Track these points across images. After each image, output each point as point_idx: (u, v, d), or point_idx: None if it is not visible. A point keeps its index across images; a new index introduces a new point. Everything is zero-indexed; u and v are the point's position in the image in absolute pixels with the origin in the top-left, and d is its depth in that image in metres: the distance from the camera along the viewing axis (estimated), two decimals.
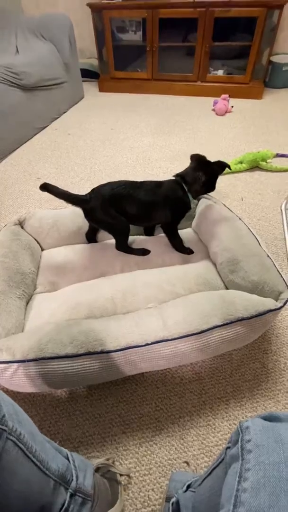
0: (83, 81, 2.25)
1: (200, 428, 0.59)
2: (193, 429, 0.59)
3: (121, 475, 0.51)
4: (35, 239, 0.86)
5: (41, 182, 0.69)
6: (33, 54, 1.66)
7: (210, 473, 0.34)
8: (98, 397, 0.63)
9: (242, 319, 0.55)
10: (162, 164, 1.46)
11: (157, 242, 0.85)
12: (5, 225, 0.83)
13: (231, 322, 0.55)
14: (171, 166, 1.45)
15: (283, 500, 0.19)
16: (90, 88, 2.43)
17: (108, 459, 0.50)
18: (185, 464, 0.54)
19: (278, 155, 1.43)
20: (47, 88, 1.73)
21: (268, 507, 0.19)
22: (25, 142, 1.68)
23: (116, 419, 0.60)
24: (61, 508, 0.33)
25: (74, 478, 0.36)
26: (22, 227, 0.85)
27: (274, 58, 2.17)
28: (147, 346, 0.52)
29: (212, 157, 0.81)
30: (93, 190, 0.76)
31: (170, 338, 0.53)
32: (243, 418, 0.61)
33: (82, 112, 2.05)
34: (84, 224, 0.85)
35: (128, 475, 0.52)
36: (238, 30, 1.98)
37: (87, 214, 0.77)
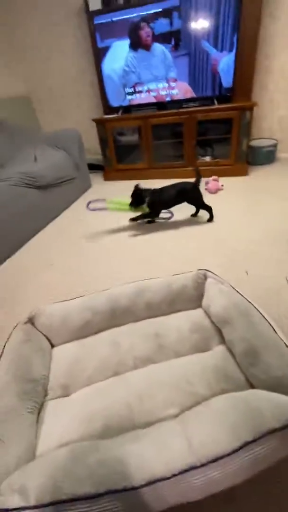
0: (90, 173, 2.60)
1: None
2: None
3: None
4: (46, 336, 0.85)
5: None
6: (49, 160, 1.98)
7: None
8: None
9: (274, 430, 0.50)
10: (160, 244, 1.56)
11: (168, 329, 0.84)
12: (17, 324, 0.84)
13: (263, 436, 0.50)
14: (182, 244, 1.54)
15: None
16: (96, 178, 2.79)
17: None
18: None
19: None
20: (59, 185, 2.00)
21: None
22: (39, 231, 1.85)
23: None
24: None
25: None
26: (33, 324, 0.86)
27: (254, 143, 2.52)
28: (174, 478, 0.46)
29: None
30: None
31: (199, 464, 0.47)
32: None
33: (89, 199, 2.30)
34: (92, 317, 0.85)
35: None
36: (219, 124, 2.36)
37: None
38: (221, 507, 0.57)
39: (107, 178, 2.71)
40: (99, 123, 2.45)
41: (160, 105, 2.42)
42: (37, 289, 1.29)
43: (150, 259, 1.43)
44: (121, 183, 2.62)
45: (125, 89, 2.41)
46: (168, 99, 2.37)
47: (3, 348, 0.75)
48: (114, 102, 2.51)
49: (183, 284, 0.93)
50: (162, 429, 0.54)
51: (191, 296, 0.92)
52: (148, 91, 2.37)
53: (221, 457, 0.48)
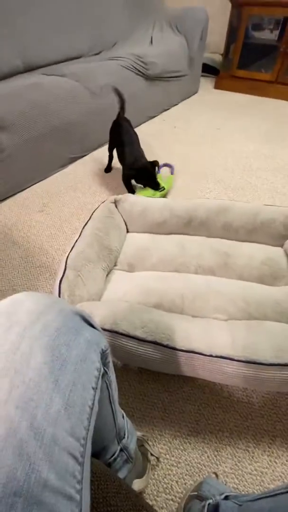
0: (201, 76, 2.24)
1: (238, 450, 0.58)
2: (230, 447, 0.58)
3: (151, 454, 0.54)
4: (124, 221, 0.93)
5: None
6: (164, 46, 1.73)
7: (271, 496, 0.34)
8: (147, 378, 0.68)
9: None
10: (262, 174, 1.38)
11: (240, 254, 0.83)
12: (104, 201, 0.92)
13: None
14: (272, 178, 1.36)
15: None
16: (204, 84, 2.41)
17: (144, 435, 0.55)
18: (214, 475, 0.54)
19: None
20: (167, 79, 1.80)
21: None
22: (135, 127, 1.79)
23: (159, 404, 0.64)
24: (111, 457, 0.39)
25: (125, 436, 0.41)
26: (116, 207, 0.94)
27: None
28: (211, 357, 0.53)
29: None
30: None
31: (236, 358, 0.52)
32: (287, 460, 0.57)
33: (193, 107, 2.06)
34: (169, 218, 0.89)
35: (157, 458, 0.56)
36: None
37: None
38: (234, 404, 0.65)
39: (218, 86, 2.31)
40: (236, 5, 1.93)
41: None
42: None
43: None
44: (233, 95, 2.23)
45: None
46: None
47: (91, 215, 0.86)
48: None
49: (272, 217, 0.85)
50: (210, 322, 0.60)
51: (276, 233, 0.86)
52: None
53: (258, 363, 0.52)
